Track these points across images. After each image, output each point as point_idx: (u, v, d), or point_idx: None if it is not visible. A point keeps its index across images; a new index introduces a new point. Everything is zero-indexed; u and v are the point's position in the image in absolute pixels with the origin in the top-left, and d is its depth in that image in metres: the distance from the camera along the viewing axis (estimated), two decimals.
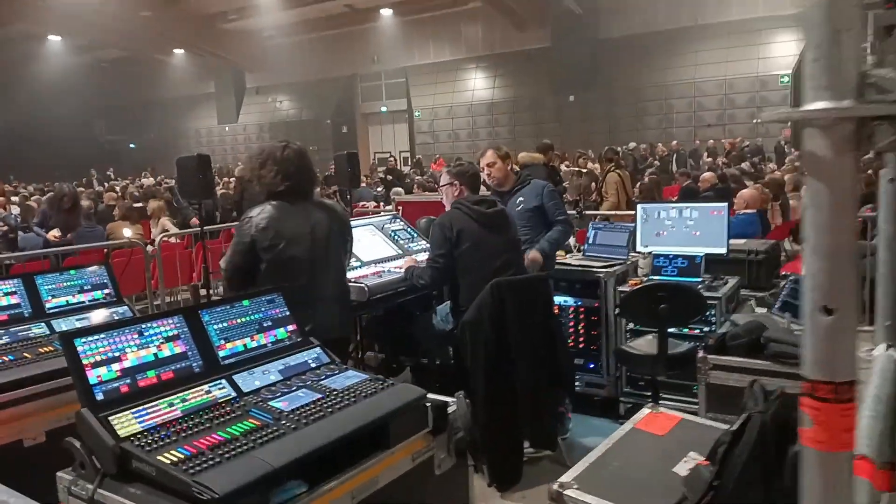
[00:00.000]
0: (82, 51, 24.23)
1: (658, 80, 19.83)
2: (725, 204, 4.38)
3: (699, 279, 3.94)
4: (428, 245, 3.97)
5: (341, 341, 3.11)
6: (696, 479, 1.56)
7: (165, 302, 6.38)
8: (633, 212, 4.88)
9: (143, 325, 1.88)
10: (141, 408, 1.71)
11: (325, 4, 20.47)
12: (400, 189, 10.99)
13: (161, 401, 1.75)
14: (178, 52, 24.39)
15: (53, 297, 2.89)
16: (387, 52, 23.24)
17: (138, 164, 25.13)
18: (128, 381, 1.76)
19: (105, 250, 6.59)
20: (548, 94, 21.18)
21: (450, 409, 1.99)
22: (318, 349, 2.18)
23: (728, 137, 18.15)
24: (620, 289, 4.10)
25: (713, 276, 4.02)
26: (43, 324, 2.76)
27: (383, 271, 3.87)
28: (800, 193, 8.40)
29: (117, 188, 14.67)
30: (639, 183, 9.50)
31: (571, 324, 4.30)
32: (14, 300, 2.79)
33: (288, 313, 2.20)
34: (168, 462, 1.52)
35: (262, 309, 2.15)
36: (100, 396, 1.69)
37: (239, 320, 2.07)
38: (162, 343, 1.88)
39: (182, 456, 1.54)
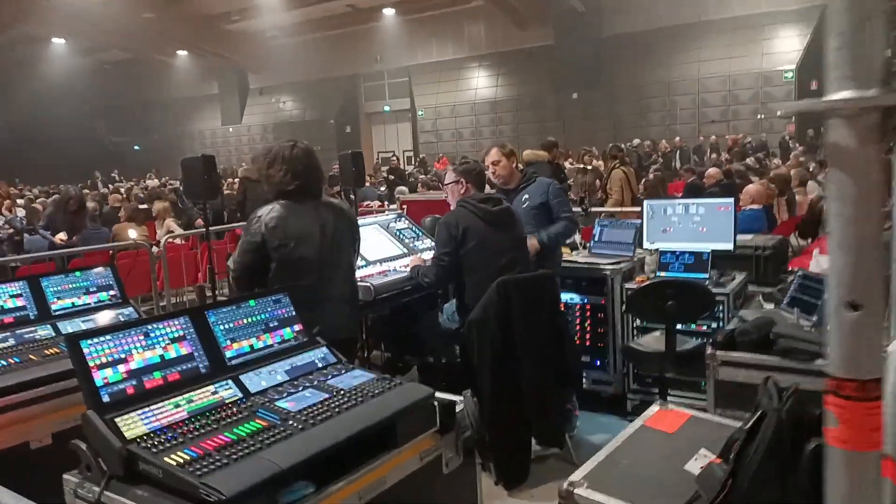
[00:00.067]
0: (85, 53, 24.28)
1: (661, 77, 19.76)
2: (732, 200, 4.36)
3: (706, 275, 3.92)
4: (433, 243, 3.95)
5: (349, 341, 3.09)
6: (709, 477, 1.54)
7: (171, 303, 6.38)
8: (638, 208, 4.85)
9: (149, 327, 1.87)
10: (147, 409, 1.70)
11: (327, 4, 20.46)
12: (404, 188, 10.93)
13: (167, 402, 1.74)
14: (182, 53, 24.41)
15: (59, 298, 2.88)
16: (389, 51, 23.22)
17: (143, 165, 25.15)
18: (134, 382, 1.75)
19: (110, 252, 6.61)
20: (551, 92, 21.11)
21: (457, 408, 1.98)
22: (324, 349, 2.16)
23: (732, 133, 18.08)
24: (627, 286, 4.09)
25: (720, 272, 4.00)
26: (49, 326, 2.75)
27: (389, 270, 3.85)
28: (805, 189, 8.37)
29: (122, 190, 14.72)
30: (643, 180, 9.47)
31: (578, 321, 4.28)
32: (20, 302, 2.78)
33: (294, 313, 2.19)
34: (175, 464, 1.51)
35: (269, 309, 2.14)
36: (106, 398, 1.68)
37: (245, 321, 2.06)
38: (168, 344, 1.87)
39: (189, 457, 1.53)
